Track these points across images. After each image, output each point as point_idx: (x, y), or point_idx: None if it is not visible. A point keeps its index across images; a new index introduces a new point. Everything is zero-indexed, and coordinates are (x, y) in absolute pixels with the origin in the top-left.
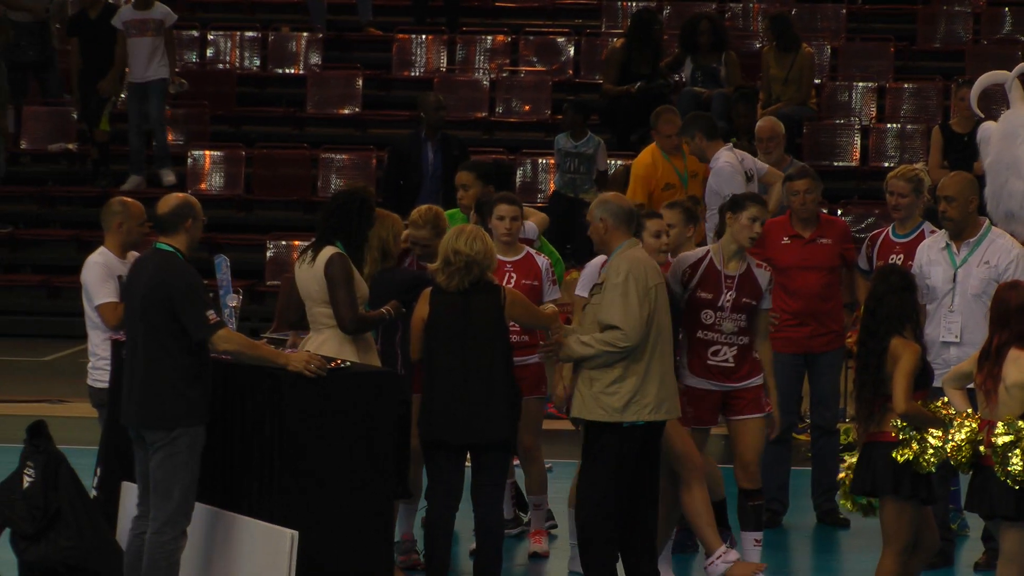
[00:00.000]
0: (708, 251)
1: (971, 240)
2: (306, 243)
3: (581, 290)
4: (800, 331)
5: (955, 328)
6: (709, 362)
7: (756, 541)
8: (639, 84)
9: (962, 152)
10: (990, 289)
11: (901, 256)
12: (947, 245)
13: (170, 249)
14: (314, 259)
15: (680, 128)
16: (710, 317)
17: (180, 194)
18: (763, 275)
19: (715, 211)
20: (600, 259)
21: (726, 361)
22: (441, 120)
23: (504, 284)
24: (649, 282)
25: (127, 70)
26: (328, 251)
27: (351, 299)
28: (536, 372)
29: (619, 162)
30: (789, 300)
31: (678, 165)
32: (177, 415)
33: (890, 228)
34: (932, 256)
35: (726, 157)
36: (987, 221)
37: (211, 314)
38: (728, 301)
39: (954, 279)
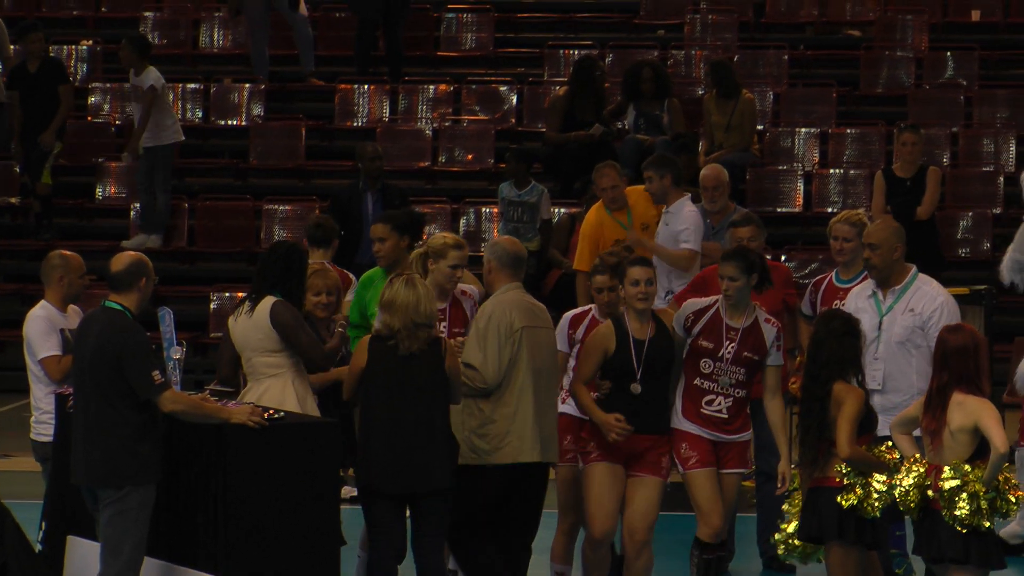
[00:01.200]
0: (717, 300)
1: (897, 288)
2: (252, 291)
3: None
4: None
5: (878, 376)
6: (703, 411)
7: None
8: (603, 128)
9: (905, 196)
10: (915, 337)
11: (845, 302)
12: (873, 293)
13: (119, 308)
14: (253, 309)
15: (652, 163)
16: (709, 366)
17: (133, 252)
18: (770, 330)
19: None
20: (573, 311)
21: (720, 412)
22: (378, 170)
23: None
24: (515, 324)
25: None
26: (269, 300)
27: (312, 338)
28: None
29: (562, 210)
30: None
31: (623, 220)
32: (127, 473)
33: (834, 273)
34: (860, 304)
35: (692, 207)
36: (914, 268)
37: (156, 374)
38: (729, 352)
39: (880, 327)
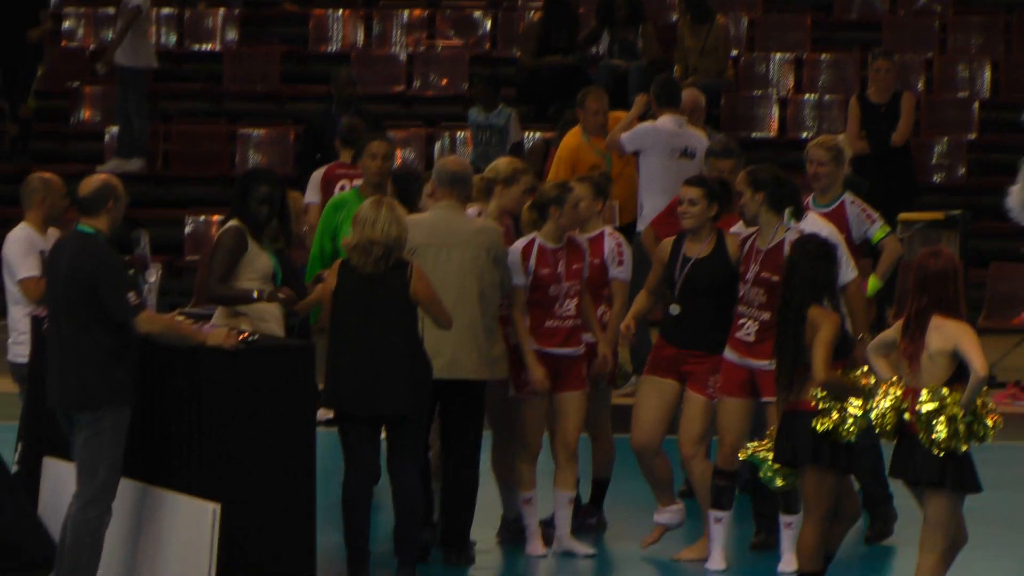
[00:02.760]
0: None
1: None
2: (223, 218)
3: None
4: None
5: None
6: (736, 335)
7: (716, 519)
8: (579, 56)
9: (879, 123)
10: None
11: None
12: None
13: (90, 231)
14: None
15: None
16: (741, 290)
17: (102, 175)
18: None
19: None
20: (519, 243)
21: (748, 335)
22: (352, 95)
23: None
24: (414, 241)
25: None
26: (227, 224)
27: (218, 269)
28: None
29: (537, 134)
30: None
31: (600, 146)
32: (102, 396)
33: (810, 198)
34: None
35: (662, 122)
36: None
37: (132, 296)
38: (752, 275)
39: None
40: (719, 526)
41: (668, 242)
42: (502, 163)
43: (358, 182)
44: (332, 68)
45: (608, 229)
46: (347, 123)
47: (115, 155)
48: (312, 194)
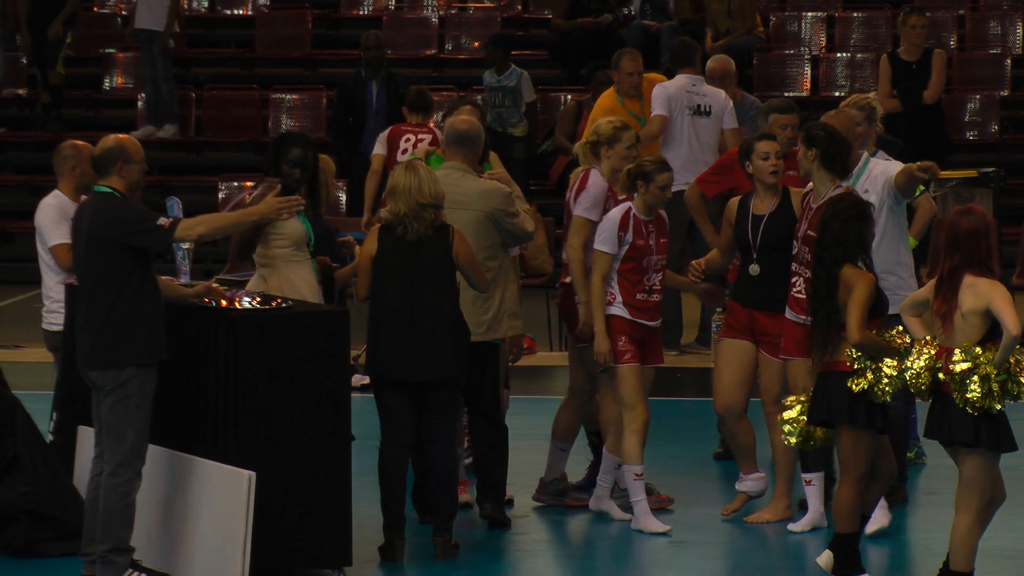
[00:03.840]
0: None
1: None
2: (255, 183)
3: (600, 244)
4: None
5: None
6: (792, 292)
7: (806, 481)
8: (611, 17)
9: (911, 80)
10: (876, 218)
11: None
12: None
13: (108, 190)
14: None
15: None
16: (794, 247)
17: (116, 136)
18: None
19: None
20: (616, 211)
21: (800, 293)
22: (379, 59)
23: None
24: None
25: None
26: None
27: (239, 236)
28: None
29: (569, 97)
30: None
31: (634, 108)
32: (126, 357)
33: None
34: None
35: (675, 80)
36: (865, 154)
37: (162, 220)
38: (801, 232)
39: None
40: (811, 488)
41: (734, 202)
42: (603, 124)
43: (423, 136)
44: (364, 32)
45: None
46: (415, 90)
47: (146, 121)
48: (379, 147)
